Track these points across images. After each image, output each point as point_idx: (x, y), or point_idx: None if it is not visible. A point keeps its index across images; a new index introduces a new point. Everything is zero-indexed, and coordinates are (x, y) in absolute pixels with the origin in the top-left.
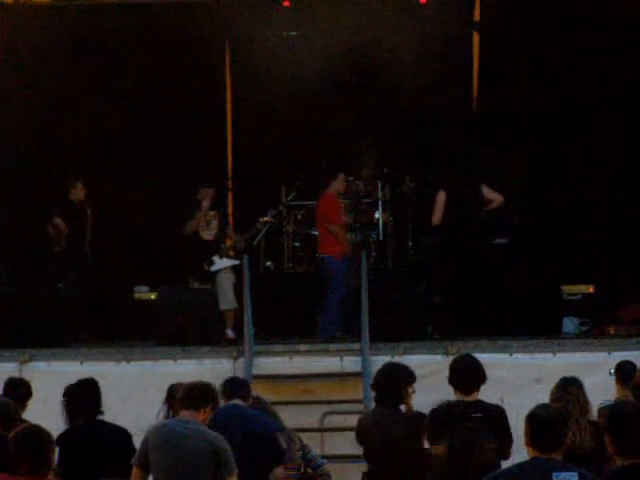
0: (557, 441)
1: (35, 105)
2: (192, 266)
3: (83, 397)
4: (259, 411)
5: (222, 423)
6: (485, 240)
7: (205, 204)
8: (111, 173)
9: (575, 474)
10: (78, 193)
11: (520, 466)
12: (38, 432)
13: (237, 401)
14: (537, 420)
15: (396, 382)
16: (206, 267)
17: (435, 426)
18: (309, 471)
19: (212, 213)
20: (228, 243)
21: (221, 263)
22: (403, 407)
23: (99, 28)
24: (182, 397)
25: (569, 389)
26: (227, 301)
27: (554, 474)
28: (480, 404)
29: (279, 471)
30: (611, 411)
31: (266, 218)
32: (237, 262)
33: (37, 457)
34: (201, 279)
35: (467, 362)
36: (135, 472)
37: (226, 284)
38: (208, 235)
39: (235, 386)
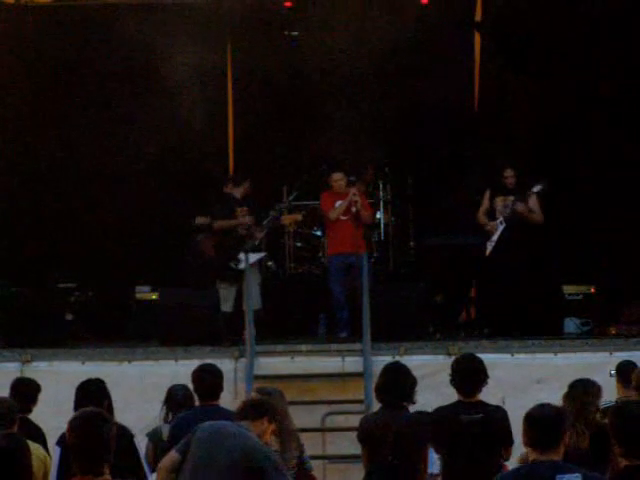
0: (555, 440)
1: (36, 104)
2: (221, 266)
3: (88, 397)
4: None
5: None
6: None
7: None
8: (112, 172)
9: (579, 475)
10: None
11: (522, 469)
12: (92, 423)
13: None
14: (533, 420)
15: (407, 382)
16: (234, 265)
17: (437, 428)
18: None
19: (245, 209)
20: (257, 235)
21: (248, 259)
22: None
23: (100, 28)
24: (238, 411)
25: (586, 390)
26: (254, 301)
27: (558, 476)
28: (481, 405)
29: None
30: (615, 412)
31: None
32: (264, 254)
33: (90, 453)
34: (228, 280)
35: (469, 363)
36: (171, 455)
37: (254, 283)
38: (242, 230)
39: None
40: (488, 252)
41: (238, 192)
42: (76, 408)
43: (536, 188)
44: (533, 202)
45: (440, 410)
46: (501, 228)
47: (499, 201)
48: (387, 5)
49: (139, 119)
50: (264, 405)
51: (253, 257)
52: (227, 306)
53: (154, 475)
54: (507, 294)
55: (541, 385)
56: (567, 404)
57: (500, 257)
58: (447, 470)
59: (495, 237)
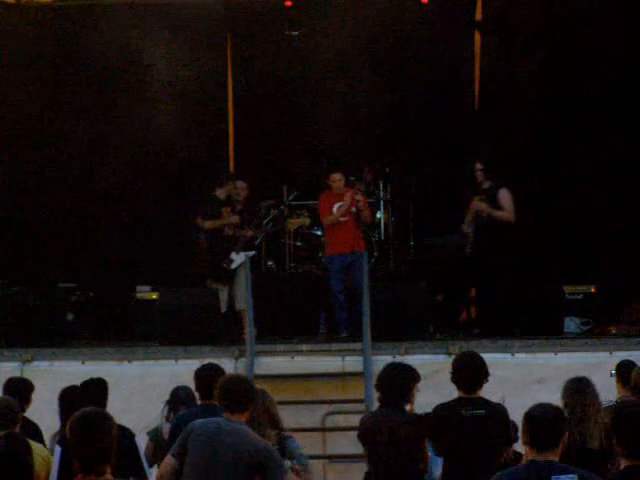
0: (553, 440)
1: (36, 104)
2: (211, 266)
3: (89, 396)
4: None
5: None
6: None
7: (243, 194)
8: (112, 172)
9: (575, 476)
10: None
11: (519, 468)
12: (93, 423)
13: None
14: (533, 419)
15: (402, 382)
16: (225, 265)
17: (438, 425)
18: (288, 463)
19: (227, 209)
20: (246, 233)
21: (239, 258)
22: (408, 407)
23: (100, 28)
24: (224, 401)
25: (584, 389)
26: (243, 299)
27: (553, 477)
28: (483, 401)
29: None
30: (616, 412)
31: (267, 203)
32: (254, 252)
33: (91, 453)
34: (220, 279)
35: (470, 360)
36: (167, 461)
37: (244, 283)
38: (229, 230)
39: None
40: (467, 252)
41: (221, 193)
42: (77, 408)
43: (486, 184)
44: (505, 200)
45: (440, 407)
46: (472, 228)
47: (475, 201)
48: (387, 4)
49: (140, 118)
50: (250, 396)
51: (243, 256)
52: (222, 306)
53: (153, 470)
54: (494, 293)
55: (541, 385)
56: (568, 406)
57: (477, 256)
58: (447, 466)
59: (471, 238)
